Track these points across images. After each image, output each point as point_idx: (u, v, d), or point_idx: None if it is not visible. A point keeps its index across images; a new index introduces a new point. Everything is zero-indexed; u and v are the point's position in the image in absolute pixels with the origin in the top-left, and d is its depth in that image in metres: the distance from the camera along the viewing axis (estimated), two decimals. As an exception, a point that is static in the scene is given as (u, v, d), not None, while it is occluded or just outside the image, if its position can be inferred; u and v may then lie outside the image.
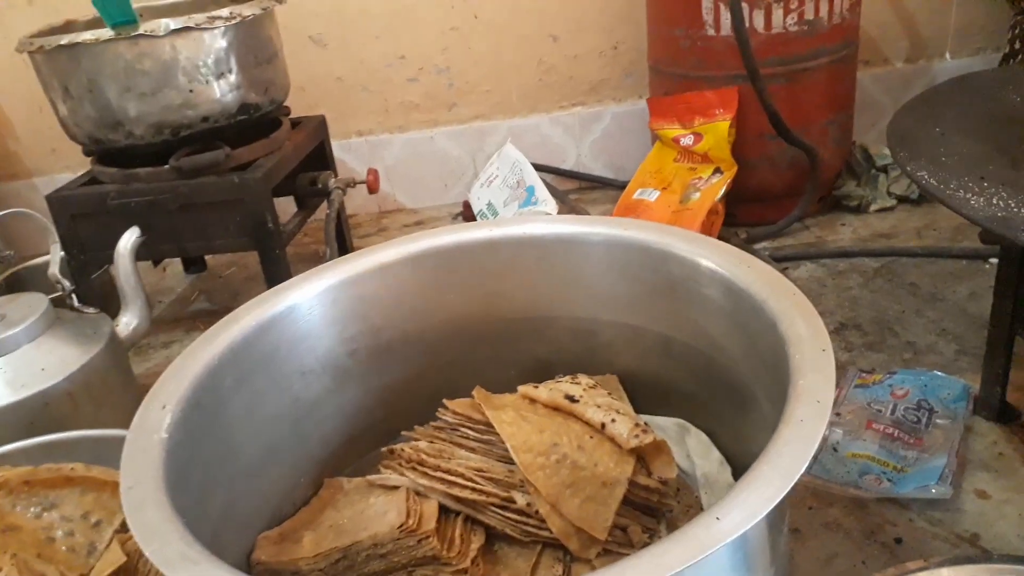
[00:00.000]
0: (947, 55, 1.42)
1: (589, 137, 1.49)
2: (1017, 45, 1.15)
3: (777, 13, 1.10)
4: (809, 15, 1.10)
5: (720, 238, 1.18)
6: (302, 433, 0.66)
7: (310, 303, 0.67)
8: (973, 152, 0.66)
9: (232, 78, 1.05)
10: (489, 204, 1.34)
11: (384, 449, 0.65)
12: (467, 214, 1.40)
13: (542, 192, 1.26)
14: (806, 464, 0.40)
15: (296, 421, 0.65)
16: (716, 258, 0.61)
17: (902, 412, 0.80)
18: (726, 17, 1.10)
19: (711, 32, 1.13)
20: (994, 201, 0.56)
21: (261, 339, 0.62)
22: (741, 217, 1.24)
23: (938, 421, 0.78)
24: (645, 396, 0.73)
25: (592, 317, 0.74)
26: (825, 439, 0.77)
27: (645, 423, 0.60)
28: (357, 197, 1.46)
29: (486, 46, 1.43)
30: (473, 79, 1.45)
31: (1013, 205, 0.55)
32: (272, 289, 0.66)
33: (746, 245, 1.17)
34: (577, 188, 1.50)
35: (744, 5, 1.10)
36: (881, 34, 1.40)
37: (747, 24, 1.10)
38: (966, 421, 0.78)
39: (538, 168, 1.46)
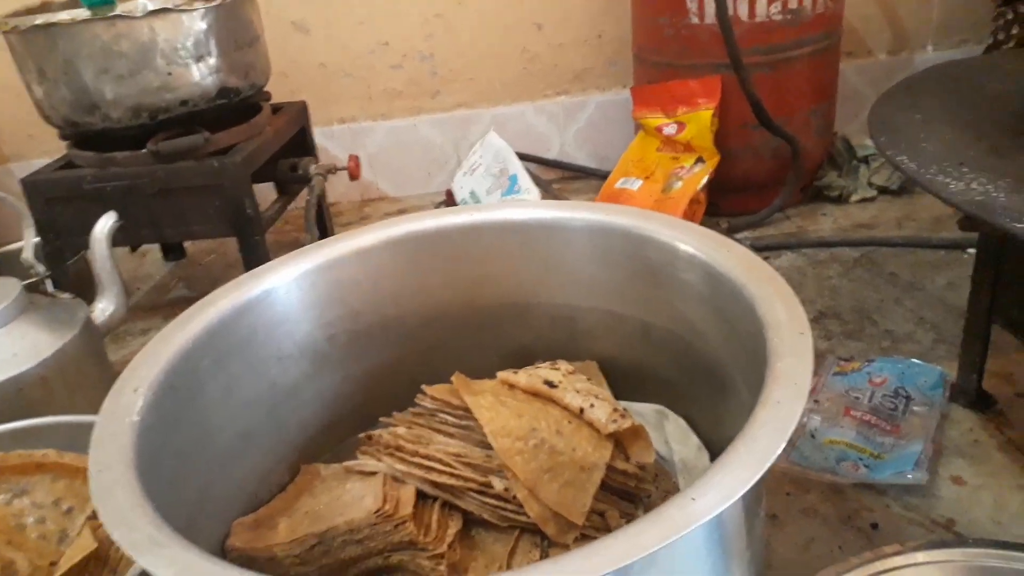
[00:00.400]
0: (929, 47, 1.43)
1: (573, 126, 1.48)
2: (1001, 36, 1.15)
3: (761, 2, 1.10)
4: (793, 4, 1.10)
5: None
6: (279, 418, 0.65)
7: (288, 287, 0.66)
8: (953, 139, 0.66)
9: (211, 61, 1.03)
10: (472, 192, 1.33)
11: (362, 435, 0.64)
12: (450, 202, 1.39)
13: (525, 181, 1.26)
14: (782, 445, 0.40)
15: (273, 406, 0.65)
16: (695, 243, 0.61)
17: (880, 399, 0.80)
18: (710, 5, 1.10)
19: (695, 20, 1.13)
20: (973, 186, 0.56)
21: (238, 322, 0.61)
22: (724, 207, 1.24)
23: (915, 408, 0.78)
24: (625, 382, 0.73)
25: (573, 303, 0.74)
26: (803, 426, 0.78)
27: (624, 409, 0.60)
28: (339, 185, 1.45)
29: (470, 34, 1.42)
30: (457, 67, 1.44)
31: (992, 190, 0.55)
32: (249, 272, 0.65)
33: (728, 235, 1.17)
34: (560, 178, 1.50)
35: (728, -7, 1.10)
36: (864, 25, 1.40)
37: (731, 13, 1.10)
38: (943, 409, 0.78)
39: (521, 157, 1.45)
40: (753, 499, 0.46)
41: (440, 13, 1.40)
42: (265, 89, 1.16)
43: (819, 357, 0.88)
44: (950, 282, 1.00)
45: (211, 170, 1.01)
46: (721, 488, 0.38)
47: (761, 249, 1.12)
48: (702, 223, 1.19)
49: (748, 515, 0.45)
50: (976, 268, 0.76)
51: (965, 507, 0.68)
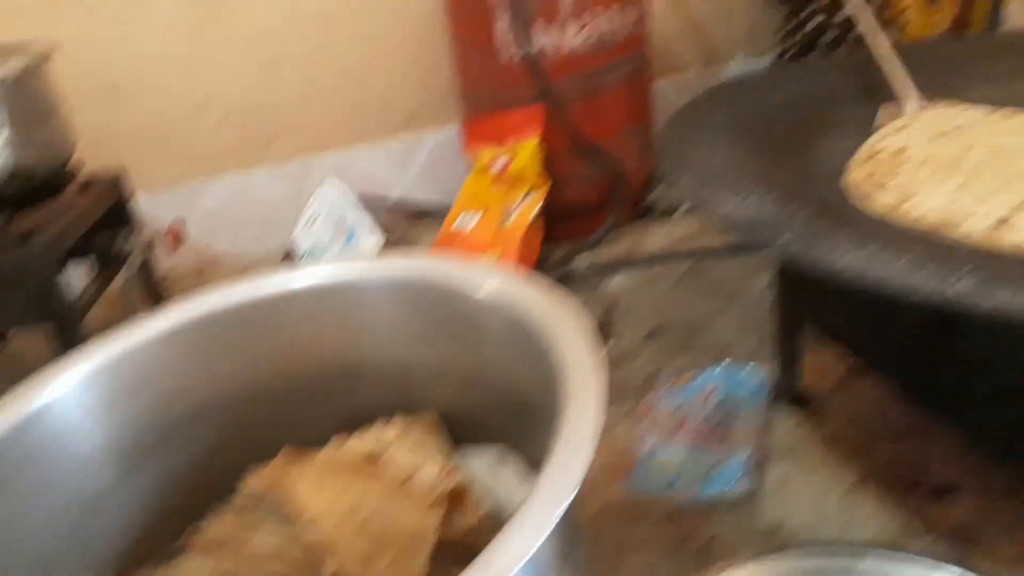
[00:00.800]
0: (740, 58, 1.51)
1: (413, 166, 1.48)
2: (787, 45, 1.23)
3: (569, 32, 1.13)
4: (598, 31, 1.14)
5: (541, 257, 1.21)
6: (86, 535, 0.61)
7: (79, 387, 0.62)
8: (736, 155, 0.69)
9: (2, 139, 0.97)
10: (313, 245, 1.30)
11: (187, 532, 0.61)
12: (291, 258, 1.36)
13: (365, 227, 1.24)
14: (573, 491, 0.40)
15: (77, 523, 0.60)
16: (496, 286, 0.62)
17: (710, 411, 0.83)
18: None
19: (508, 56, 1.15)
20: (747, 202, 0.59)
21: (19, 440, 0.56)
22: (561, 233, 1.26)
23: (742, 415, 0.81)
24: (464, 428, 0.72)
25: (399, 359, 0.73)
26: (638, 451, 0.79)
27: (454, 465, 0.59)
28: (174, 252, 1.39)
29: (298, 81, 1.39)
30: (288, 115, 1.41)
31: (764, 206, 0.58)
32: (31, 378, 0.60)
33: (565, 261, 1.19)
34: (407, 219, 1.48)
35: (538, 24, 1.12)
36: (674, 43, 1.47)
37: (540, 46, 1.13)
38: (767, 411, 0.82)
39: (363, 202, 1.44)
40: (559, 545, 0.46)
41: (264, 62, 1.37)
42: (74, 160, 1.10)
43: (653, 375, 0.90)
44: (769, 284, 1.05)
45: (11, 258, 0.94)
46: (513, 548, 0.38)
47: (598, 271, 1.15)
48: (541, 251, 1.22)
49: (558, 560, 0.45)
50: (778, 270, 0.80)
51: (791, 509, 0.71)
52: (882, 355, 0.73)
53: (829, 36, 1.10)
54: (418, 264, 0.67)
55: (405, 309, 0.68)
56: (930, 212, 0.59)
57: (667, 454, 0.78)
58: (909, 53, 0.82)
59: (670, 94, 1.45)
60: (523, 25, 1.08)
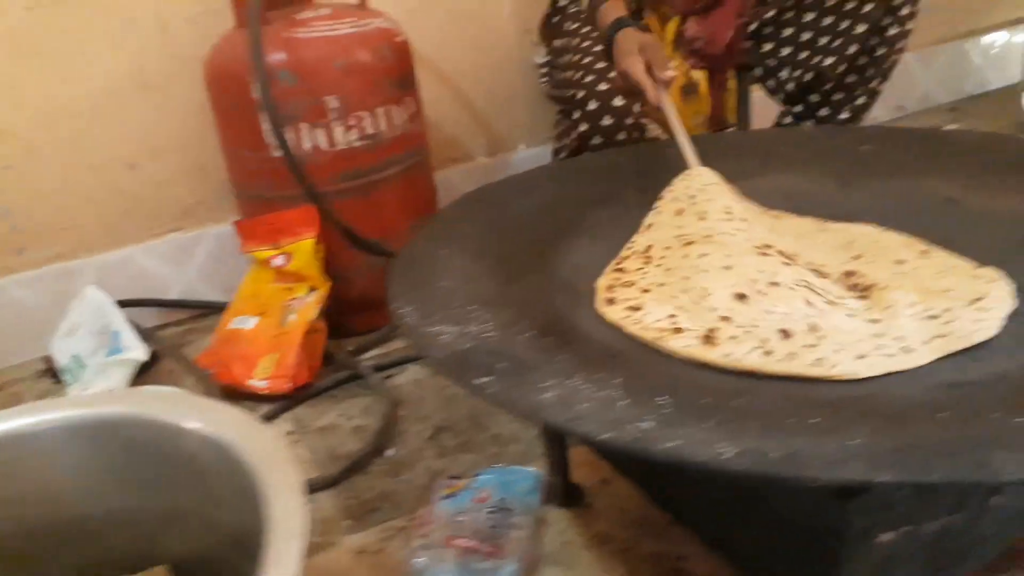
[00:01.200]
0: (523, 147, 1.56)
1: (194, 263, 1.40)
2: (564, 141, 1.28)
3: (338, 131, 1.12)
4: (369, 130, 1.14)
5: (327, 353, 1.16)
6: None
7: None
8: (472, 273, 0.70)
9: None
10: (75, 356, 1.19)
11: None
12: (53, 369, 1.23)
13: (128, 337, 1.15)
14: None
15: None
16: (195, 420, 0.58)
17: (484, 518, 0.81)
18: (290, 139, 1.10)
19: (278, 153, 1.12)
20: (469, 329, 0.59)
21: None
22: (352, 327, 1.23)
23: (514, 520, 0.80)
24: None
25: (125, 508, 0.66)
26: (407, 571, 0.76)
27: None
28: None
29: (52, 182, 1.28)
30: (42, 218, 1.29)
31: (474, 331, 0.58)
32: None
33: (354, 355, 1.16)
34: (189, 317, 1.39)
35: (304, 125, 1.10)
36: (460, 132, 1.50)
37: (311, 144, 1.11)
38: (538, 513, 0.81)
39: (136, 304, 1.34)
40: None
41: (9, 165, 1.25)
42: None
43: (432, 480, 0.88)
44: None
45: None
46: None
47: (386, 367, 1.12)
48: (327, 348, 1.18)
49: None
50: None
51: (556, 621, 0.70)
52: (622, 465, 0.75)
53: (597, 140, 1.15)
54: (111, 400, 0.62)
55: (114, 453, 0.62)
56: (651, 327, 0.61)
57: (437, 572, 0.75)
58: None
59: (456, 182, 1.47)
60: (278, 126, 1.05)
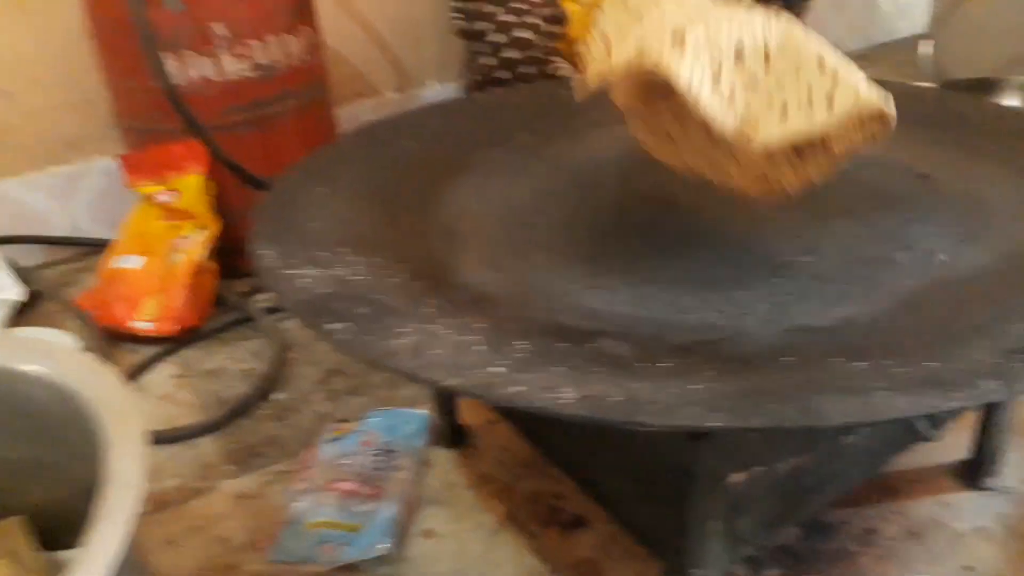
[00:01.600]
0: (435, 83, 1.52)
1: (81, 198, 1.32)
2: (473, 75, 1.25)
3: (227, 59, 1.06)
4: (262, 60, 1.08)
5: (219, 294, 1.13)
6: None
7: None
8: (349, 214, 0.67)
9: None
10: (-55, 297, 1.12)
11: None
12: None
13: (2, 276, 1.09)
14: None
15: None
16: (38, 364, 0.55)
17: (368, 460, 0.80)
18: (174, 68, 1.03)
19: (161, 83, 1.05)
20: (335, 273, 0.57)
21: None
22: (245, 268, 1.17)
23: (398, 462, 0.80)
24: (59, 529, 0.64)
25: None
26: (286, 515, 0.75)
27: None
28: None
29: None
30: (-93, 147, 1.20)
31: (340, 274, 0.56)
32: None
33: (249, 296, 1.12)
34: (76, 255, 1.33)
35: (188, 53, 1.04)
36: (368, 67, 1.45)
37: (198, 73, 1.05)
38: (423, 454, 0.81)
39: (14, 240, 1.27)
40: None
41: None
42: None
43: (320, 424, 0.87)
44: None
45: None
46: None
47: (277, 309, 1.09)
48: (219, 289, 1.14)
49: None
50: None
51: (433, 565, 0.70)
52: (501, 408, 0.75)
53: (502, 74, 1.12)
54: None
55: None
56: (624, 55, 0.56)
57: (318, 514, 0.75)
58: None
59: (363, 117, 1.42)
60: (154, 54, 0.99)
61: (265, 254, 0.58)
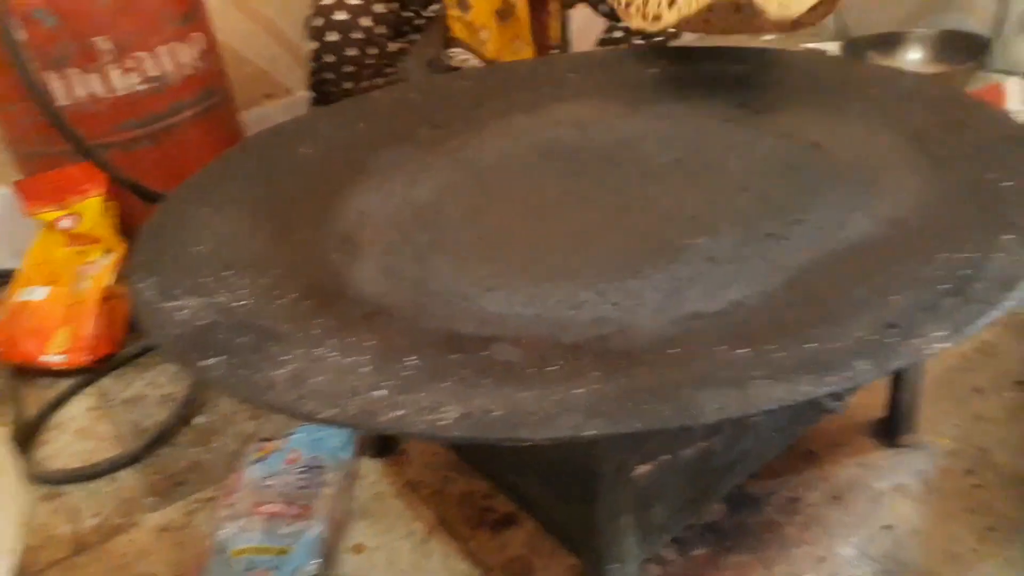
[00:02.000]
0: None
1: (-20, 228, 1.26)
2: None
3: (115, 75, 1.01)
4: (152, 72, 1.04)
5: (133, 318, 1.09)
6: None
7: None
8: (238, 232, 0.65)
9: None
10: None
11: None
12: None
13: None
14: None
15: None
16: None
17: (294, 479, 0.78)
18: (58, 88, 0.99)
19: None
20: (217, 300, 0.54)
21: None
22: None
23: (324, 478, 0.78)
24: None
25: None
26: (213, 545, 0.73)
27: None
28: None
29: None
30: None
31: (222, 301, 0.54)
32: None
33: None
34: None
35: (73, 71, 0.99)
36: (273, 65, 1.41)
37: (85, 90, 1.00)
38: (350, 467, 0.80)
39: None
40: None
41: None
42: None
43: (244, 444, 0.85)
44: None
45: None
46: None
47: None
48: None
49: None
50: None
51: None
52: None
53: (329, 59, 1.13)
54: None
55: None
56: None
57: (243, 540, 0.73)
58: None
59: (275, 118, 1.38)
60: (27, 74, 0.95)
61: (141, 288, 0.55)
